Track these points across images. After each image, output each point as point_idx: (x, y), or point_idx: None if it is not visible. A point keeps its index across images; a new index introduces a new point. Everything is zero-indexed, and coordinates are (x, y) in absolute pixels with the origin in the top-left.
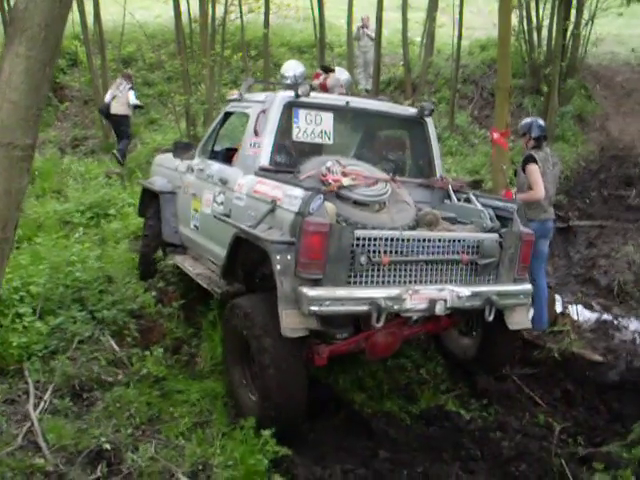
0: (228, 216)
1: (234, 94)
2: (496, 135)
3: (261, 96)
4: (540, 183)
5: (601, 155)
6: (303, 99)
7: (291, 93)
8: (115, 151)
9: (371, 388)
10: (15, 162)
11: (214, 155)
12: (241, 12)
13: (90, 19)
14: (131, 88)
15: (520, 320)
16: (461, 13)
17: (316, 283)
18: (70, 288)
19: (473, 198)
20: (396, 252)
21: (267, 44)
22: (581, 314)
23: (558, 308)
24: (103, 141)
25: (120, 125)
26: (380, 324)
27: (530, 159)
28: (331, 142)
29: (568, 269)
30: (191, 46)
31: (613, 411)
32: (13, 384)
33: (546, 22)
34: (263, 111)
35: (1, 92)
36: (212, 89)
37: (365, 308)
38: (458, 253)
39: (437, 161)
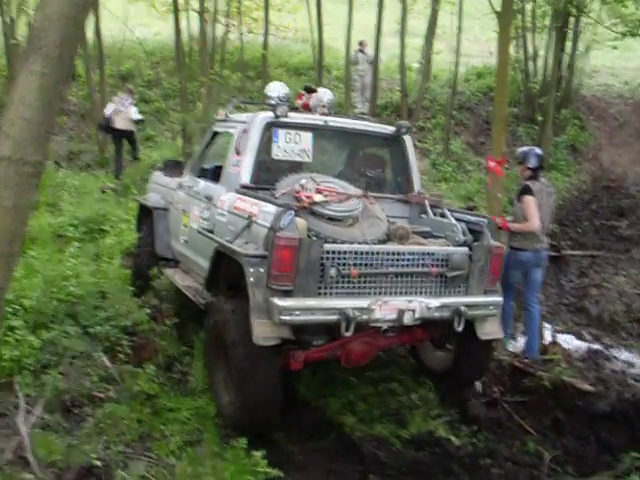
0: (212, 231)
1: (221, 114)
2: (492, 163)
3: (243, 116)
4: (535, 215)
5: (593, 185)
6: (282, 119)
7: (271, 114)
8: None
9: (362, 412)
10: (25, 178)
11: (203, 173)
12: (241, 32)
13: (90, 34)
14: (132, 103)
15: (490, 330)
16: (458, 41)
17: (287, 294)
18: (64, 302)
19: (447, 213)
20: (365, 265)
21: (265, 65)
22: (572, 343)
23: (548, 337)
24: (99, 156)
25: (128, 138)
26: (349, 333)
27: (526, 190)
28: (310, 160)
29: (559, 298)
30: (190, 64)
31: (603, 441)
32: (3, 398)
33: (542, 52)
34: (244, 131)
35: (15, 109)
36: (209, 108)
37: (334, 318)
38: (427, 266)
39: (415, 177)
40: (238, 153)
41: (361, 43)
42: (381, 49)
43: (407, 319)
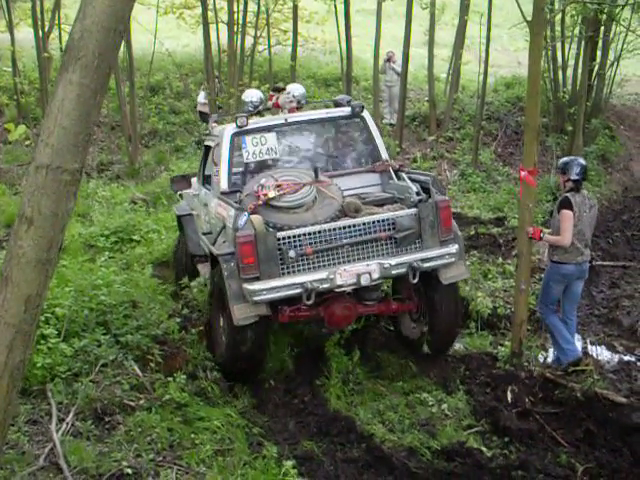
0: (210, 233)
1: (212, 126)
2: (524, 173)
3: (217, 130)
4: (569, 230)
5: (624, 196)
6: (245, 127)
7: (234, 125)
8: None
9: (392, 422)
10: (63, 186)
11: (205, 181)
12: (269, 44)
13: (121, 46)
14: None
15: (453, 274)
16: (487, 51)
17: (255, 279)
18: (95, 311)
19: (404, 176)
20: (319, 242)
21: (294, 76)
22: (603, 355)
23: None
24: (129, 167)
25: None
26: (311, 301)
27: (565, 203)
28: (278, 156)
29: (591, 309)
30: (219, 76)
31: (636, 454)
32: (36, 405)
33: (571, 62)
34: (217, 144)
35: (53, 117)
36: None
37: (298, 291)
38: (377, 232)
39: (380, 148)
40: (216, 164)
41: (389, 54)
42: (409, 60)
43: (364, 281)
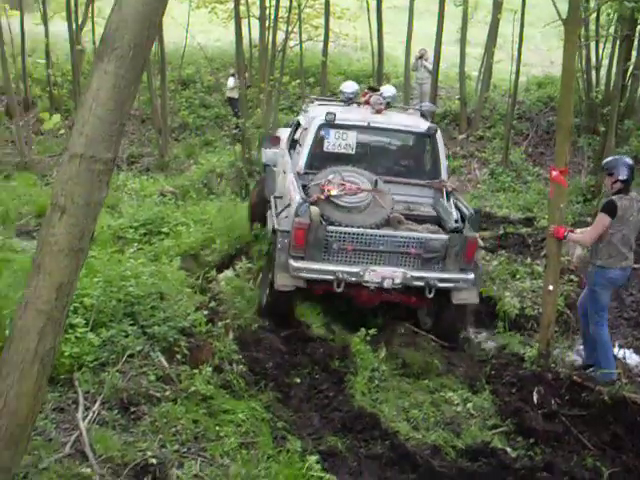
0: (281, 197)
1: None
2: (555, 173)
3: (310, 113)
4: (595, 234)
5: None
6: (332, 121)
7: (324, 117)
8: None
9: (416, 419)
10: (96, 175)
11: (291, 146)
12: (300, 39)
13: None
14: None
15: (463, 297)
16: (519, 50)
17: (300, 258)
18: (123, 302)
19: (452, 201)
20: (360, 242)
21: (325, 72)
22: (632, 358)
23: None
24: (158, 159)
25: None
26: (340, 289)
27: (610, 207)
28: (353, 152)
29: (619, 312)
30: (250, 71)
31: None
32: (63, 393)
33: (605, 62)
34: (305, 128)
35: (88, 107)
36: (269, 114)
37: (331, 277)
38: (408, 247)
39: (442, 167)
40: (300, 145)
41: (422, 51)
42: (441, 58)
43: (387, 284)
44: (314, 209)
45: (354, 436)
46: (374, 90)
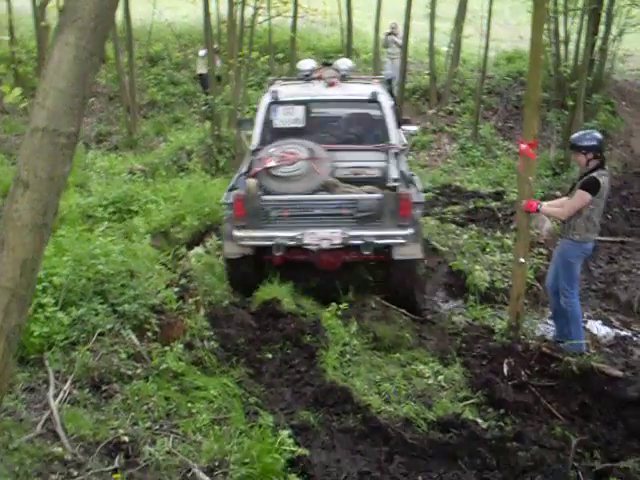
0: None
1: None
2: (524, 146)
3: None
4: (573, 209)
5: (624, 172)
6: (280, 99)
7: (271, 96)
8: None
9: (388, 393)
10: (59, 149)
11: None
12: (269, 15)
13: (119, 17)
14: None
15: (403, 253)
16: (488, 24)
17: (243, 228)
18: (92, 281)
19: (394, 162)
20: (296, 208)
21: (294, 48)
22: (600, 329)
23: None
24: (127, 137)
25: None
26: (279, 253)
27: (593, 185)
28: (303, 125)
29: (588, 284)
30: (218, 47)
31: (631, 427)
32: (34, 373)
33: (574, 36)
34: (256, 109)
35: (49, 79)
36: (238, 90)
37: (270, 242)
38: (340, 208)
39: (391, 131)
40: (254, 124)
41: (392, 26)
42: (410, 33)
43: (325, 244)
44: (251, 181)
45: (326, 410)
46: (328, 65)
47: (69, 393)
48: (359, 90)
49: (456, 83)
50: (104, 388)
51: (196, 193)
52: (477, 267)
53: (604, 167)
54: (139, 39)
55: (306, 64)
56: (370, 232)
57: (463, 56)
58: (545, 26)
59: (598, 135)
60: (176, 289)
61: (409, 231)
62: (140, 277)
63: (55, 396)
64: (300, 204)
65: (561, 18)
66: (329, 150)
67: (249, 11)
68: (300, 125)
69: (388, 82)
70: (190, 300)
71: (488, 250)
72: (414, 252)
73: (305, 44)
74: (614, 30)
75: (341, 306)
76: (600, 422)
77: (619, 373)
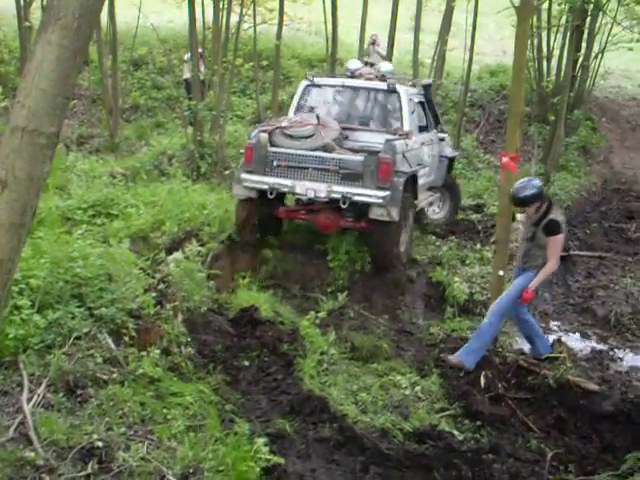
0: None
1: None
2: (505, 159)
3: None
4: (558, 255)
5: (603, 187)
6: (315, 82)
7: (308, 80)
8: None
9: (365, 403)
10: (39, 149)
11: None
12: (254, 22)
13: (104, 19)
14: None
15: (378, 213)
16: (472, 38)
17: (249, 172)
18: (70, 284)
19: (387, 137)
20: (293, 161)
21: (278, 55)
22: (577, 343)
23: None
24: (109, 140)
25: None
26: (272, 196)
27: (557, 227)
28: (330, 106)
29: (566, 298)
30: (203, 52)
31: (605, 441)
32: (7, 376)
33: (556, 52)
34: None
35: (31, 79)
36: (221, 96)
37: (266, 187)
38: (329, 165)
39: (405, 118)
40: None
41: (373, 37)
42: (395, 45)
43: (310, 194)
44: (263, 135)
45: (302, 419)
46: (370, 65)
47: (43, 397)
48: (381, 83)
49: (439, 95)
50: (79, 392)
51: (177, 198)
52: (456, 279)
53: (552, 206)
54: (123, 42)
55: (352, 64)
56: (351, 189)
57: (447, 69)
58: (528, 41)
59: (536, 182)
60: (154, 294)
61: (386, 193)
62: (118, 281)
63: (29, 400)
64: (297, 158)
65: (544, 34)
66: (345, 129)
67: (235, 18)
68: (328, 106)
69: (427, 87)
70: (168, 305)
71: (468, 262)
72: (387, 215)
73: (290, 52)
74: (596, 47)
75: (319, 315)
76: (575, 435)
77: (595, 387)
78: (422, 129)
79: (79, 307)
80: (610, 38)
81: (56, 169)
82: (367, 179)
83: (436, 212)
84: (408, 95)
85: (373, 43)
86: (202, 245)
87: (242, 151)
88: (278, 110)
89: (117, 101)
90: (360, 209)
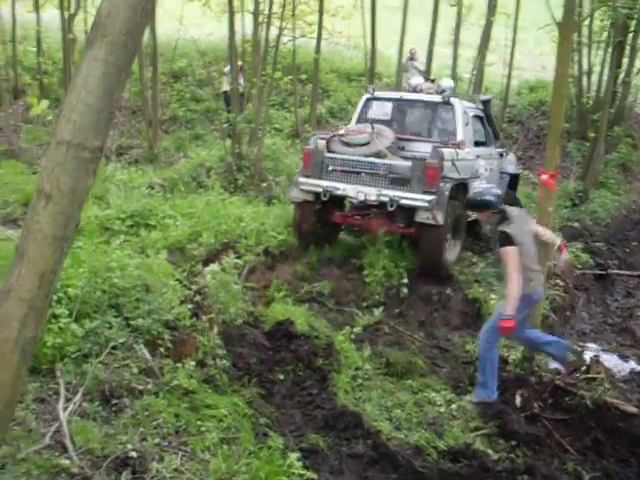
0: None
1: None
2: (544, 177)
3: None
4: (516, 267)
5: None
6: (375, 96)
7: (369, 94)
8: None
9: (399, 419)
10: (83, 163)
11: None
12: (294, 36)
13: (145, 31)
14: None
15: (423, 216)
16: (512, 53)
17: (306, 176)
18: (107, 294)
19: (441, 148)
20: (347, 166)
21: (317, 69)
22: (615, 364)
23: (588, 356)
24: (148, 152)
25: None
26: (325, 198)
27: (504, 240)
28: (389, 118)
29: (604, 317)
30: (243, 65)
31: None
32: (45, 384)
33: (597, 68)
34: (357, 103)
35: (77, 94)
36: (260, 109)
37: (320, 190)
38: (379, 170)
39: (459, 130)
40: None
41: (411, 51)
42: (433, 58)
43: (360, 197)
44: (320, 141)
45: (336, 434)
46: (429, 80)
47: (79, 405)
48: (436, 96)
49: None
50: (114, 402)
51: (214, 210)
52: (492, 296)
53: (507, 218)
54: (164, 55)
55: (415, 80)
56: (399, 193)
57: (485, 84)
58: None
59: (495, 191)
60: (190, 306)
61: (432, 197)
62: (155, 292)
63: (65, 408)
64: (350, 163)
65: (585, 50)
66: (401, 139)
67: (274, 31)
68: (387, 118)
69: (486, 102)
70: (204, 317)
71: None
72: (432, 218)
73: (328, 66)
74: (638, 64)
75: (355, 330)
76: (613, 459)
77: (634, 409)
78: (480, 143)
79: (116, 317)
80: None
81: (96, 179)
82: (414, 183)
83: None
84: (462, 108)
85: (412, 58)
86: (238, 257)
87: (302, 156)
88: (316, 124)
89: (156, 113)
90: (410, 215)
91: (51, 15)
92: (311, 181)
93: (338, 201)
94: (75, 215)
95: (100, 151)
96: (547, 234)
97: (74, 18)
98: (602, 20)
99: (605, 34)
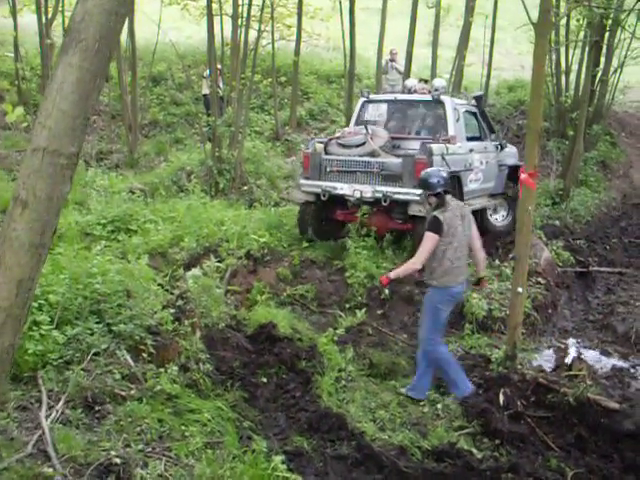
0: None
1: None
2: (524, 175)
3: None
4: (425, 253)
5: (623, 202)
6: (370, 99)
7: (365, 97)
8: None
9: (383, 420)
10: (59, 169)
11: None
12: (273, 38)
13: (123, 36)
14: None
15: (415, 210)
16: (491, 53)
17: (307, 178)
18: (89, 300)
19: (428, 144)
20: (343, 166)
21: (296, 71)
22: (597, 360)
23: (572, 353)
24: (128, 156)
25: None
26: (325, 198)
27: (434, 225)
28: (384, 119)
29: (585, 314)
30: (221, 69)
31: (627, 460)
32: (26, 391)
33: (575, 67)
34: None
35: (52, 100)
36: (240, 112)
37: (319, 190)
38: (372, 168)
39: (450, 126)
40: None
41: (392, 52)
42: (412, 60)
43: (357, 194)
44: (318, 145)
45: (320, 436)
46: (421, 80)
47: (62, 413)
48: (427, 95)
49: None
50: (97, 408)
51: (195, 214)
52: (475, 295)
53: (445, 204)
54: (143, 59)
55: (409, 82)
56: (392, 189)
57: (465, 84)
58: (547, 56)
59: (444, 174)
60: (172, 310)
61: (420, 191)
62: (137, 297)
63: (47, 415)
64: (346, 163)
65: (562, 49)
66: (396, 138)
67: (253, 34)
68: (383, 119)
69: (478, 98)
70: (186, 322)
71: (486, 279)
72: (418, 211)
73: (308, 68)
74: (615, 62)
75: (337, 332)
76: (596, 455)
77: (616, 405)
78: (474, 138)
79: (98, 323)
80: (629, 53)
81: (75, 184)
82: (406, 179)
83: (500, 220)
84: (453, 105)
85: (392, 59)
86: (220, 261)
87: (301, 159)
88: (296, 126)
89: (136, 117)
90: (406, 210)
91: (28, 20)
92: (311, 182)
93: (340, 200)
94: (52, 222)
95: (76, 157)
96: (476, 246)
97: (52, 23)
98: (578, 20)
99: (582, 33)
